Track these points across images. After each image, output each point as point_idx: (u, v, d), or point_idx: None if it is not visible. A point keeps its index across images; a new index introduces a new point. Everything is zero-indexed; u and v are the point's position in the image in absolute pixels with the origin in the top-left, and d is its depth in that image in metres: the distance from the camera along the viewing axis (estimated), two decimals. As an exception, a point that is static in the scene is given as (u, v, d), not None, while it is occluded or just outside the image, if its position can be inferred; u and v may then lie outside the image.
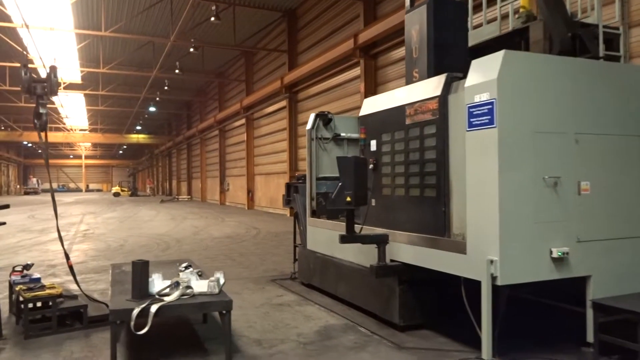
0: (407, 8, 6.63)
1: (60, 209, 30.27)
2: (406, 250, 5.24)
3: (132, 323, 4.20)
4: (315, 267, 7.35)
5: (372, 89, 16.20)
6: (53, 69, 5.44)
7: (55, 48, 26.79)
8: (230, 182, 33.89)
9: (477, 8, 7.35)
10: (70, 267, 5.88)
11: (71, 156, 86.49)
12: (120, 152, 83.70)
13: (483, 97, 4.18)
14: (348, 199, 4.95)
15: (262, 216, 23.15)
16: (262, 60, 27.92)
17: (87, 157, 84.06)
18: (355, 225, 5.54)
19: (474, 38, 6.99)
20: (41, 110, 5.26)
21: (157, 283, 4.78)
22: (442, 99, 4.80)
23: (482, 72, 4.25)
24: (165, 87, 32.59)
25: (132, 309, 4.24)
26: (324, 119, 7.62)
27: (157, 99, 36.91)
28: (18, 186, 73.20)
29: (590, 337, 4.44)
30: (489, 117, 4.14)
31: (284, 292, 7.38)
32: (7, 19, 21.28)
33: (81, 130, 59.41)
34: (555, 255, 4.22)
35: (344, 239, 5.30)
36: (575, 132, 4.40)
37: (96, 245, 13.12)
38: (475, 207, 4.31)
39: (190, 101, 45.28)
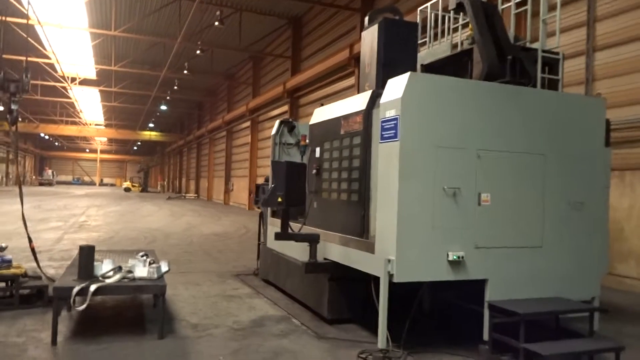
0: (365, 27, 7.12)
1: (68, 200, 31.23)
2: (336, 249, 5.72)
3: (72, 299, 4.76)
4: (272, 263, 7.85)
5: (364, 98, 16.65)
6: (26, 69, 6.04)
7: (70, 44, 27.75)
8: (235, 182, 34.55)
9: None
10: (32, 250, 6.46)
11: (87, 150, 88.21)
12: (135, 148, 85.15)
13: (391, 113, 4.67)
14: (279, 199, 5.45)
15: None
16: (269, 65, 28.59)
17: (102, 151, 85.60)
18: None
19: (431, 56, 7.47)
20: (12, 107, 5.85)
21: (105, 267, 5.32)
22: (367, 113, 5.28)
23: (392, 91, 4.72)
24: (175, 87, 33.41)
25: (73, 287, 4.79)
26: (289, 125, 8.13)
27: (168, 98, 37.76)
28: (34, 177, 74.84)
29: (486, 336, 4.87)
30: (394, 131, 4.61)
31: (241, 286, 7.90)
32: (24, 15, 22.12)
33: (97, 125, 60.74)
34: (451, 258, 4.67)
35: (277, 236, 5.80)
36: (477, 148, 4.84)
37: (88, 236, 13.76)
38: (382, 211, 4.78)
39: (201, 101, 46.15)
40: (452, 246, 4.71)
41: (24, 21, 21.68)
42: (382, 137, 4.81)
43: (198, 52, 23.96)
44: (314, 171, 6.32)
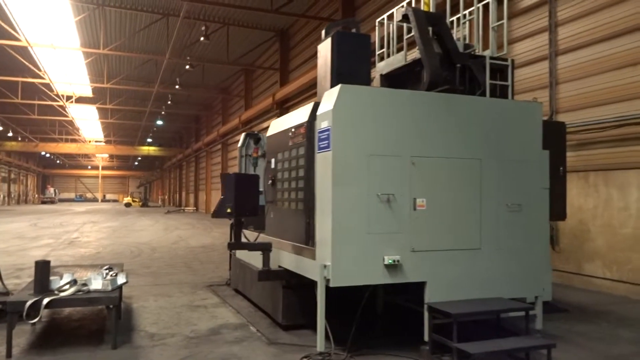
0: (322, 40, 7.33)
1: (66, 218, 31.44)
2: (287, 257, 5.89)
3: (25, 313, 4.94)
4: (240, 273, 8.02)
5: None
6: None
7: (64, 63, 28.19)
8: (231, 194, 34.74)
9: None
10: (-4, 266, 6.65)
11: (89, 167, 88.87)
12: (136, 163, 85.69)
13: (325, 124, 4.86)
14: (228, 210, 5.63)
15: (251, 228, 23.84)
16: (260, 77, 28.95)
17: (104, 168, 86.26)
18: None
19: (388, 66, 7.67)
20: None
21: (62, 281, 5.51)
22: (309, 125, 5.46)
23: (326, 103, 4.92)
24: (169, 102, 33.81)
25: (26, 301, 4.97)
26: (254, 137, 8.34)
27: (163, 113, 38.18)
28: (36, 195, 75.37)
29: (426, 337, 5.02)
30: (327, 141, 4.80)
31: (210, 296, 8.06)
32: (15, 37, 22.52)
33: (97, 141, 61.29)
34: (386, 262, 4.83)
35: (230, 246, 5.98)
36: (411, 155, 5.02)
37: (74, 252, 13.95)
38: (320, 219, 4.96)
39: (198, 115, 46.57)
40: (388, 250, 4.87)
41: (18, 43, 22.12)
42: (319, 147, 5.01)
43: (187, 67, 24.27)
44: (270, 181, 6.50)
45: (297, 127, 5.76)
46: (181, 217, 34.14)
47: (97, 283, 5.51)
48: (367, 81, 6.97)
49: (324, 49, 7.04)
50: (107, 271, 6.30)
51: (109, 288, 5.47)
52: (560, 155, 7.66)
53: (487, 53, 7.44)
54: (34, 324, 5.90)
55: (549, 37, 9.83)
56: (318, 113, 5.05)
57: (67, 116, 42.86)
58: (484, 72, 6.97)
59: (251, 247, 6.01)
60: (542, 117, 5.67)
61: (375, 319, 6.33)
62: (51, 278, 5.50)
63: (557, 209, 7.57)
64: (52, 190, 75.31)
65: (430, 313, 4.97)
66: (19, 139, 53.74)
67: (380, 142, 4.92)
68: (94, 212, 41.82)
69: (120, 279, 5.88)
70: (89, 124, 48.77)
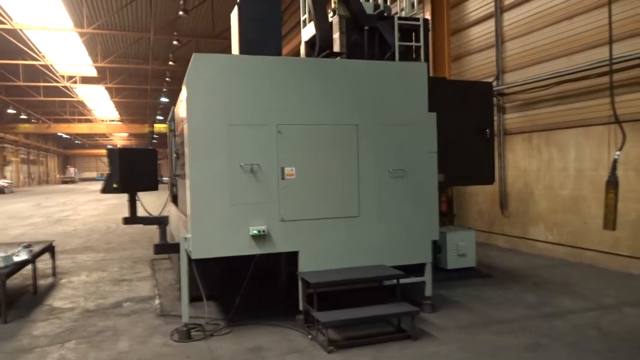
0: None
1: (74, 197, 31.88)
2: (183, 230, 5.90)
3: None
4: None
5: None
6: None
7: (61, 44, 28.36)
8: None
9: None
10: None
11: (109, 146, 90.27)
12: (154, 141, 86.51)
13: (183, 95, 4.78)
14: (115, 185, 5.64)
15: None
16: (253, 49, 28.64)
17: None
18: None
19: (309, 33, 7.50)
20: None
21: (-41, 259, 5.66)
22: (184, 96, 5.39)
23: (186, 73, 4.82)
24: (167, 79, 33.82)
25: None
26: (184, 111, 8.28)
27: (164, 90, 38.29)
28: (57, 175, 77.16)
29: (301, 306, 5.00)
30: (185, 112, 4.73)
31: (145, 270, 8.19)
32: (5, 22, 22.70)
33: (111, 121, 62.00)
34: (252, 233, 4.78)
35: (126, 221, 6.01)
36: (277, 123, 4.90)
37: (51, 231, 14.26)
38: (185, 191, 4.93)
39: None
40: (254, 221, 4.82)
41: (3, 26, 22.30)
42: (185, 120, 4.94)
43: (175, 42, 24.16)
44: (175, 155, 6.49)
45: (182, 99, 5.69)
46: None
47: (-8, 260, 5.64)
48: (277, 50, 6.79)
49: (234, 17, 6.89)
50: (24, 248, 6.46)
51: (2, 265, 5.58)
52: (487, 117, 7.42)
53: (403, 14, 7.21)
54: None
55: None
56: (184, 83, 4.97)
57: (73, 97, 43.35)
58: (392, 33, 6.77)
59: (146, 221, 6.05)
60: (426, 78, 5.45)
61: (281, 289, 6.32)
62: (-53, 256, 5.66)
63: (485, 173, 7.37)
64: (72, 170, 76.96)
65: (303, 282, 4.93)
66: (32, 121, 54.71)
67: (241, 111, 4.81)
68: (106, 191, 42.63)
69: (20, 257, 5.99)
70: (98, 103, 49.23)
